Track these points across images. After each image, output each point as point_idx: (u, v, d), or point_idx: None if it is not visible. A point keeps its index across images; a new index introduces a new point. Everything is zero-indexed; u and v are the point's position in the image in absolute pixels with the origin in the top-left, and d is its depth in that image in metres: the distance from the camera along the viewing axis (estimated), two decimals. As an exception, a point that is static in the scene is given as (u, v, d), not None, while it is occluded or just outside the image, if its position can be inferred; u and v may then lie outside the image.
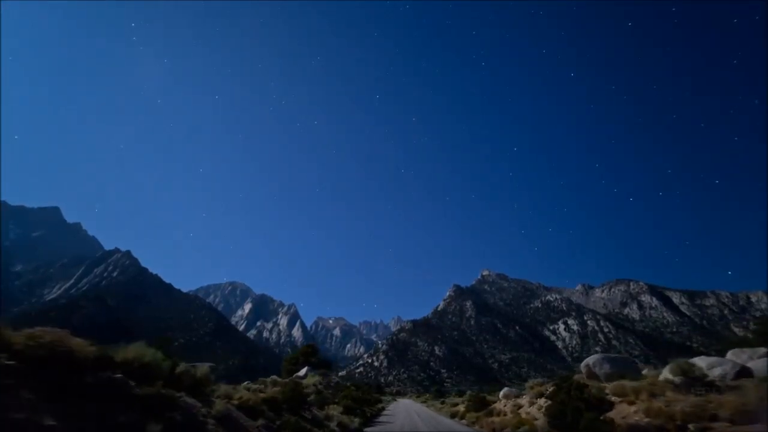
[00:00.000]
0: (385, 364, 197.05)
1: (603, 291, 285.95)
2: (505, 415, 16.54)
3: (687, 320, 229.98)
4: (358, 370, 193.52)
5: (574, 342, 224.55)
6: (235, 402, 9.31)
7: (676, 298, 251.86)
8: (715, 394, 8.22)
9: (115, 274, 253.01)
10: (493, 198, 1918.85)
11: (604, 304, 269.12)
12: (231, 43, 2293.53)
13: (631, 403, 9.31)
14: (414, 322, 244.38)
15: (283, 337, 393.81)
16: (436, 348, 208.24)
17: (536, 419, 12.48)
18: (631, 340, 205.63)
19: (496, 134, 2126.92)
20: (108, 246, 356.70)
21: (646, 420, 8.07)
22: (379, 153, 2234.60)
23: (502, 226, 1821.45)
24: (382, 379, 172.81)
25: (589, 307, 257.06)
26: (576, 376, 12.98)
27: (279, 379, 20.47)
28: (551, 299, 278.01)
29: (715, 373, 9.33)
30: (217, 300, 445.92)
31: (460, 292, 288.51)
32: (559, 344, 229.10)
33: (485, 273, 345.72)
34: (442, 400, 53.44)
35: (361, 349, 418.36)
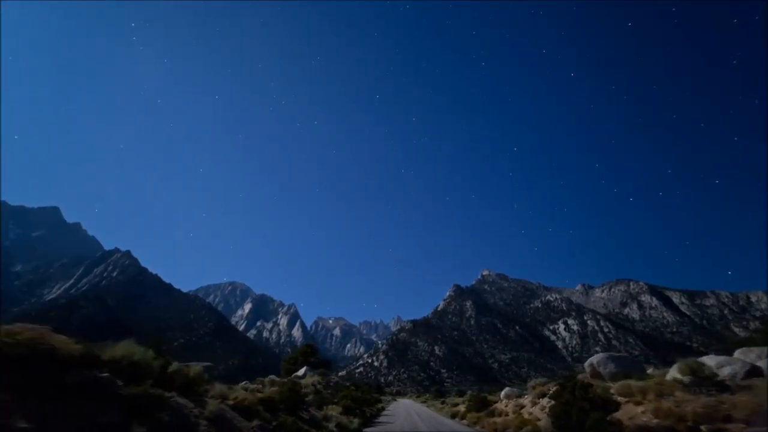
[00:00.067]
0: (385, 364, 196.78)
1: (603, 291, 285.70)
2: (506, 415, 16.26)
3: (687, 320, 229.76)
4: (358, 370, 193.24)
5: (574, 342, 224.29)
6: (230, 402, 9.03)
7: (676, 298, 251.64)
8: (728, 394, 7.95)
9: (114, 274, 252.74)
10: (493, 198, 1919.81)
11: (604, 304, 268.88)
12: (231, 43, 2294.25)
13: (638, 403, 9.03)
14: (414, 322, 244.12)
15: (283, 337, 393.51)
16: (436, 348, 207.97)
17: (539, 420, 12.20)
18: (631, 340, 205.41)
19: (496, 134, 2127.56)
20: (108, 246, 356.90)
21: (655, 421, 7.78)
22: (379, 153, 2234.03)
23: (502, 226, 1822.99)
24: (382, 379, 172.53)
25: (589, 307, 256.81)
26: (580, 376, 12.70)
27: (277, 379, 20.20)
28: (551, 299, 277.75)
29: (724, 372, 9.05)
30: (217, 300, 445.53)
31: (460, 292, 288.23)
32: (559, 344, 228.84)
33: (485, 273, 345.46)
34: (442, 400, 53.17)
35: (361, 349, 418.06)
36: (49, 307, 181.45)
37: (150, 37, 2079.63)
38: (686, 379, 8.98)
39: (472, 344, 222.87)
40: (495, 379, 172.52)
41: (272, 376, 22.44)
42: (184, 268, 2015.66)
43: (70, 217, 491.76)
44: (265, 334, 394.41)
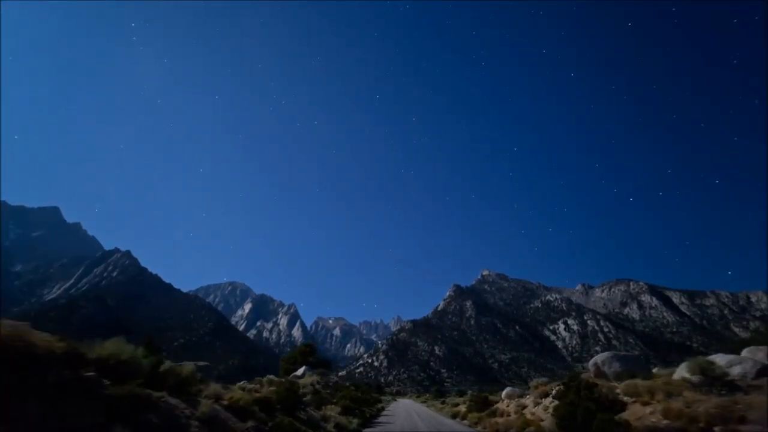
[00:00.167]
0: (385, 364, 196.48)
1: (603, 291, 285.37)
2: (508, 415, 15.97)
3: (687, 320, 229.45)
4: (358, 370, 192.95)
5: (574, 342, 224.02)
6: (225, 402, 8.76)
7: (676, 298, 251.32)
8: (740, 394, 7.67)
9: (114, 274, 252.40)
10: (493, 198, 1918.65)
11: (604, 304, 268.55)
12: (231, 43, 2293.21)
13: (646, 403, 8.74)
14: (414, 322, 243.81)
15: (283, 337, 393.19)
16: (436, 348, 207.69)
17: (542, 420, 11.91)
18: (631, 340, 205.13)
19: (496, 134, 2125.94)
20: (108, 246, 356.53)
21: (665, 422, 7.49)
22: (379, 153, 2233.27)
23: (502, 226, 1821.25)
24: (382, 379, 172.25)
25: (589, 307, 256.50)
26: (583, 375, 12.41)
27: (275, 379, 19.94)
28: (551, 299, 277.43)
29: (734, 371, 8.77)
30: (217, 300, 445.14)
31: (460, 292, 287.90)
32: (559, 344, 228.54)
33: (485, 273, 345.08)
34: (442, 400, 52.89)
35: (361, 349, 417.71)
36: (49, 307, 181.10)
37: (150, 37, 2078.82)
38: (695, 378, 8.69)
39: (472, 344, 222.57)
40: (495, 379, 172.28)
41: (271, 376, 22.18)
42: (184, 268, 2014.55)
43: (70, 217, 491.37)
44: (265, 334, 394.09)
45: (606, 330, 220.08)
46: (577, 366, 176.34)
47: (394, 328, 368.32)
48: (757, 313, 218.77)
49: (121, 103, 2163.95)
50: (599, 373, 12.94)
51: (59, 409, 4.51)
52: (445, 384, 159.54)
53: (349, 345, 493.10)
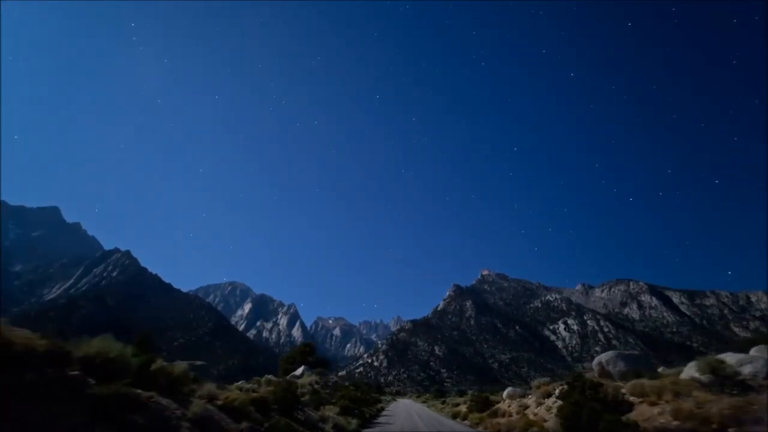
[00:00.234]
0: (385, 364, 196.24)
1: (603, 291, 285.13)
2: (510, 416, 15.70)
3: (687, 320, 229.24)
4: (358, 370, 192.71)
5: (574, 342, 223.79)
6: (220, 402, 8.49)
7: (676, 298, 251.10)
8: (753, 394, 7.39)
9: (114, 273, 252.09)
10: (493, 198, 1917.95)
11: (604, 304, 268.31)
12: (231, 43, 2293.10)
13: (653, 404, 8.47)
14: (414, 322, 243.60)
15: (283, 337, 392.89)
16: (436, 348, 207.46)
17: (546, 421, 11.64)
18: (631, 340, 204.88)
19: (496, 134, 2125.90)
20: (108, 246, 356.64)
21: (675, 423, 7.21)
22: (379, 153, 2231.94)
23: (502, 226, 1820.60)
24: (382, 379, 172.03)
25: (589, 307, 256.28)
26: (587, 375, 12.14)
27: (274, 379, 19.68)
28: (551, 299, 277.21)
29: (745, 371, 8.50)
30: (216, 300, 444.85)
31: (460, 292, 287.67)
32: (559, 344, 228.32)
33: (485, 273, 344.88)
34: (442, 400, 52.63)
35: (361, 349, 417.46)
36: (48, 307, 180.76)
37: (150, 37, 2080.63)
38: (705, 378, 8.42)
39: (472, 344, 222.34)
40: (495, 379, 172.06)
41: (269, 376, 21.92)
42: (184, 268, 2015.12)
43: (70, 217, 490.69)
44: (265, 334, 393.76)
45: (606, 330, 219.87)
46: (577, 366, 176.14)
47: (394, 328, 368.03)
48: (757, 313, 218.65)
49: (121, 103, 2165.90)
50: (603, 372, 12.67)
51: (40, 410, 4.24)
52: (445, 384, 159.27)
53: (349, 345, 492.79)
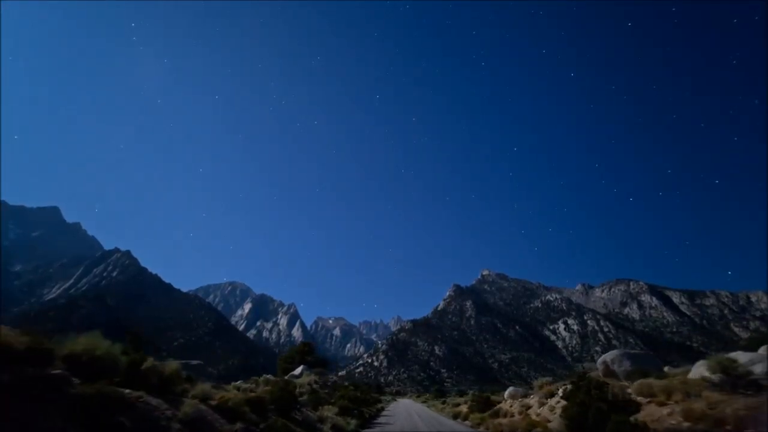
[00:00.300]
0: (385, 363, 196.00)
1: (603, 291, 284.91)
2: (512, 416, 15.43)
3: (687, 320, 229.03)
4: (358, 370, 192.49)
5: (574, 342, 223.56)
6: (214, 402, 8.22)
7: (676, 298, 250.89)
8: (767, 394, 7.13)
9: (114, 273, 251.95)
10: (493, 198, 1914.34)
11: (604, 304, 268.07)
12: (231, 43, 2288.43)
13: (662, 404, 8.21)
14: (414, 322, 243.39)
15: (283, 337, 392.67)
16: (436, 348, 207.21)
17: (549, 421, 11.36)
18: (631, 340, 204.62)
19: (496, 134, 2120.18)
20: (107, 246, 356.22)
21: (687, 424, 6.93)
22: (379, 153, 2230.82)
23: (502, 226, 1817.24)
24: (382, 379, 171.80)
25: (589, 307, 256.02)
26: (592, 374, 11.86)
27: (272, 378, 19.42)
28: (551, 299, 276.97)
29: (756, 370, 8.23)
30: (216, 300, 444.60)
31: (460, 292, 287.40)
32: (559, 344, 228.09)
33: (485, 273, 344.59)
34: (442, 400, 52.36)
35: (361, 349, 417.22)
36: (48, 307, 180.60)
37: (150, 37, 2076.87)
38: (716, 377, 8.14)
39: (472, 344, 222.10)
40: (495, 379, 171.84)
41: (267, 375, 21.65)
42: (184, 268, 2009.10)
43: (69, 217, 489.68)
44: (265, 334, 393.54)
45: (606, 330, 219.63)
46: (577, 366, 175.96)
47: (394, 328, 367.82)
48: (757, 313, 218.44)
49: (121, 103, 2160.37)
50: (608, 372, 12.39)
51: (18, 410, 3.97)
52: (445, 384, 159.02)
53: (349, 345, 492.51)
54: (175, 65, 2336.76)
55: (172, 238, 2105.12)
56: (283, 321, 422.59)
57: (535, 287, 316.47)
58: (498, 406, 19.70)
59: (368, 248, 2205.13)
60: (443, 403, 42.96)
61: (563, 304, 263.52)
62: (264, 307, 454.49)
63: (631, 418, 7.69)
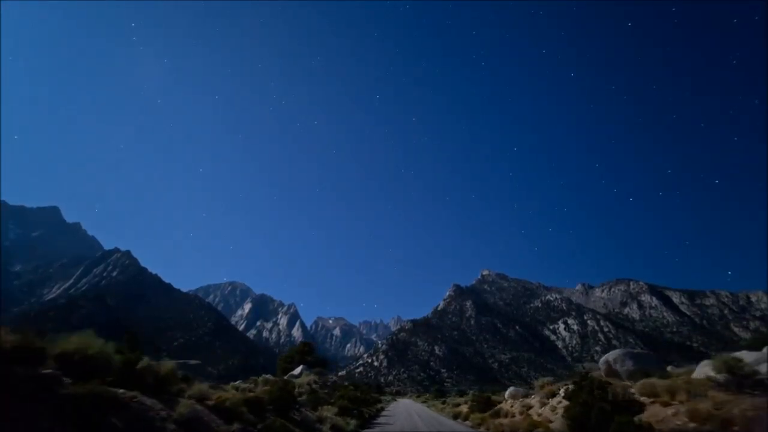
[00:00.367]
0: (385, 363, 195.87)
1: (603, 291, 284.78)
2: (513, 416, 15.30)
3: (687, 320, 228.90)
4: (358, 370, 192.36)
5: (574, 342, 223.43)
6: (211, 403, 8.09)
7: (676, 298, 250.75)
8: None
9: (114, 273, 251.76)
10: (493, 198, 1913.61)
11: (604, 304, 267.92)
12: (231, 43, 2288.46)
13: (666, 404, 8.08)
14: (414, 322, 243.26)
15: (282, 337, 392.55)
16: (436, 348, 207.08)
17: (551, 421, 11.24)
18: (631, 340, 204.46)
19: (496, 134, 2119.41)
20: (107, 246, 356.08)
21: (692, 425, 6.81)
22: (379, 153, 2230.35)
23: (502, 226, 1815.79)
24: (382, 379, 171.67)
25: (589, 307, 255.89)
26: (594, 374, 11.72)
27: (271, 378, 19.29)
28: (551, 299, 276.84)
29: (762, 369, 8.10)
30: (216, 300, 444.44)
31: (460, 292, 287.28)
32: (559, 344, 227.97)
33: (485, 273, 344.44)
34: (443, 400, 52.24)
35: (361, 349, 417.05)
36: (48, 307, 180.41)
37: (150, 37, 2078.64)
38: (721, 377, 8.01)
39: (472, 344, 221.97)
40: (495, 379, 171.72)
41: (267, 375, 21.52)
42: (184, 268, 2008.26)
43: (69, 217, 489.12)
44: (265, 334, 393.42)
45: (606, 330, 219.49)
46: (577, 366, 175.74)
47: (394, 328, 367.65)
48: (757, 313, 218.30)
49: (121, 103, 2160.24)
50: (610, 371, 12.26)
51: (1, 410, 3.84)
52: (445, 384, 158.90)
53: (349, 345, 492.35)
54: (175, 65, 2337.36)
55: (172, 238, 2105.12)
56: (283, 321, 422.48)
57: (535, 287, 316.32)
58: (499, 406, 19.57)
59: (368, 248, 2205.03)
60: (443, 403, 42.84)
61: (563, 304, 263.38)
62: (264, 307, 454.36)
63: (635, 419, 7.57)
